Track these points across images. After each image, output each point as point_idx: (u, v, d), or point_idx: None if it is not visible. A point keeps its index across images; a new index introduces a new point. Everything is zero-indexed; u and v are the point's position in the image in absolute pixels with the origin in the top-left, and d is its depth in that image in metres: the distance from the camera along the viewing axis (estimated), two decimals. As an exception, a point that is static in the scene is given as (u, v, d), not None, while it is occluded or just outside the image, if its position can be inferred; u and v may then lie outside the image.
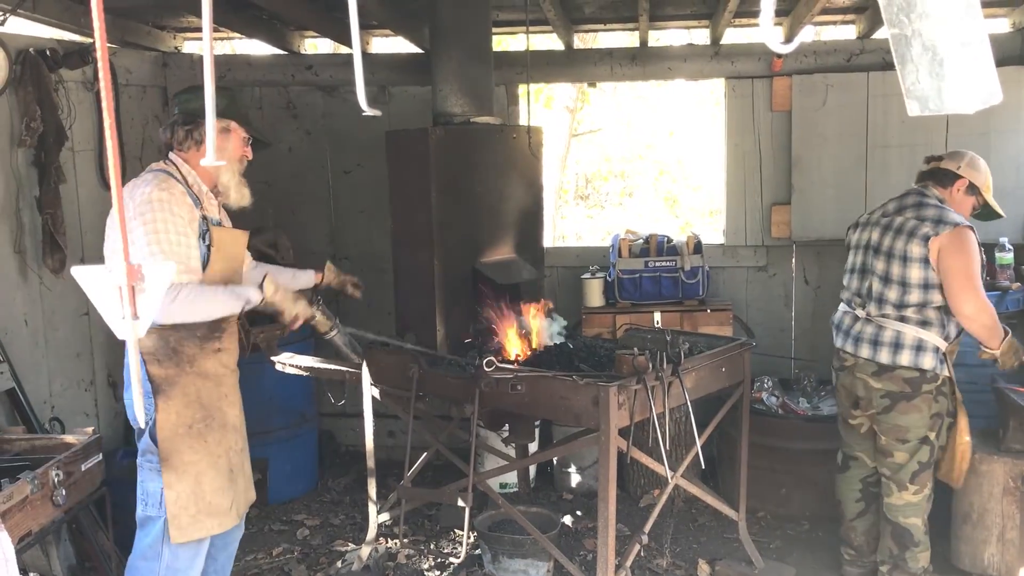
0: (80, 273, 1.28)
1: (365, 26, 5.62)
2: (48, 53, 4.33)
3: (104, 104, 1.21)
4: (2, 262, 4.17)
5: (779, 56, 5.16)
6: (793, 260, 5.44)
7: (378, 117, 5.04)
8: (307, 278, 3.84)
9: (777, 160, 5.33)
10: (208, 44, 1.24)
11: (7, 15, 3.99)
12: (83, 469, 3.40)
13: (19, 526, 3.03)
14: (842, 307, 4.05)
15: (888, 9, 1.08)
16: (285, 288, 3.26)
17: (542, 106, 13.12)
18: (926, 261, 3.65)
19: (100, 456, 3.48)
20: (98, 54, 1.20)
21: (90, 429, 3.57)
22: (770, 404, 4.96)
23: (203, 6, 1.22)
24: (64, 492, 3.26)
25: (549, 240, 11.23)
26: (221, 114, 3.12)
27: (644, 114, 14.76)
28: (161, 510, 3.07)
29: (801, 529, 4.74)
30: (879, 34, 5.19)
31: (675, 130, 14.44)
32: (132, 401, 3.17)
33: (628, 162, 15.06)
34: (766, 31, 1.10)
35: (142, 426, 3.07)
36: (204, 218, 3.08)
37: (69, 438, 3.53)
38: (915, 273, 3.68)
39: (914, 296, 3.69)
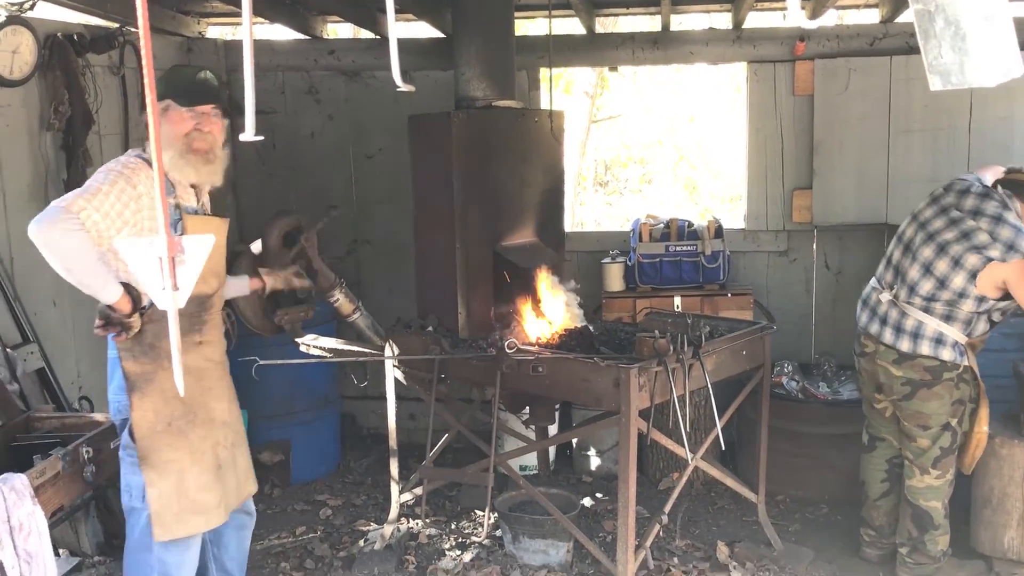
0: (122, 245, 1.32)
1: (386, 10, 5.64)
2: (75, 38, 4.39)
3: (147, 87, 1.25)
4: (31, 245, 4.21)
5: (801, 40, 5.14)
6: (814, 245, 5.43)
7: (400, 103, 5.10)
8: (241, 286, 3.60)
9: (799, 145, 5.32)
10: (248, 30, 1.28)
11: (35, 0, 4.05)
12: (112, 446, 3.46)
13: (51, 501, 3.10)
14: (872, 282, 4.02)
15: (915, -15, 1.10)
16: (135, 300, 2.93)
17: (562, 91, 13.12)
18: (975, 275, 3.60)
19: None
20: (141, 42, 1.23)
21: (111, 417, 3.62)
22: (790, 388, 4.97)
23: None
24: (93, 468, 3.33)
25: (568, 226, 11.27)
26: (159, 97, 2.95)
27: (664, 100, 14.72)
28: (145, 503, 3.04)
29: (820, 513, 4.76)
30: (902, 18, 5.17)
31: (695, 116, 14.38)
32: (112, 395, 3.19)
33: (648, 148, 15.02)
34: (792, 7, 1.11)
35: (124, 415, 3.05)
36: (177, 206, 3.02)
37: (98, 417, 3.60)
38: (958, 281, 3.63)
39: (946, 295, 3.67)
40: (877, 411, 4.06)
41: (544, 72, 5.50)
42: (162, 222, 1.30)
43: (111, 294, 2.81)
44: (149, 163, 2.98)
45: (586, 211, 14.59)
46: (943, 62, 1.08)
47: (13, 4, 3.99)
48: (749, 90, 5.40)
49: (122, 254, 1.32)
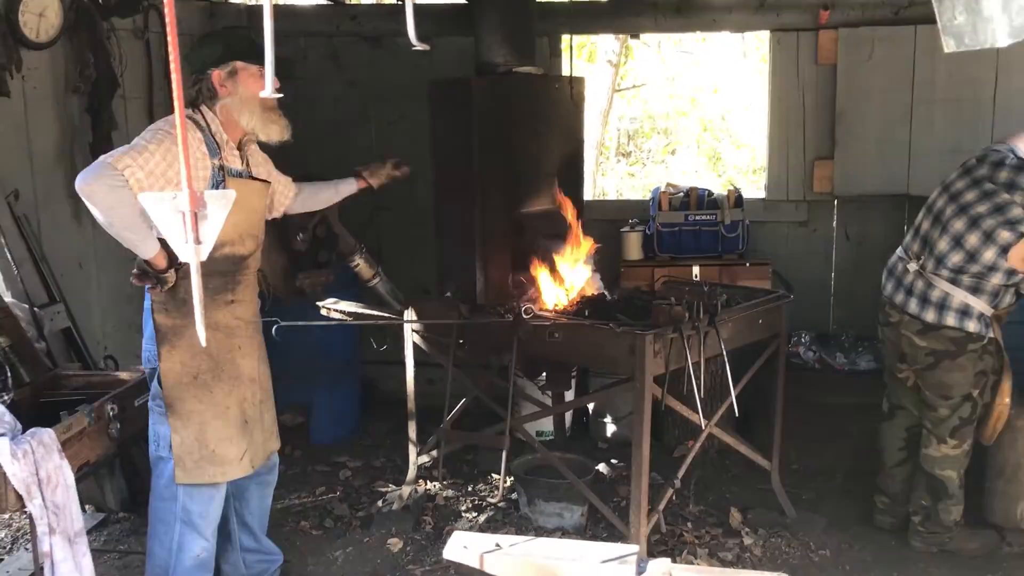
0: (146, 199, 1.36)
1: (409, -24, 5.63)
2: (100, 1, 4.43)
3: (171, 51, 1.28)
4: (57, 206, 4.31)
5: (825, 9, 5.10)
6: (834, 215, 5.42)
7: (421, 69, 5.11)
8: (349, 187, 3.87)
9: (821, 114, 5.29)
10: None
11: (61, -37, 4.08)
12: (136, 404, 3.54)
13: (77, 456, 3.17)
14: (899, 251, 4.01)
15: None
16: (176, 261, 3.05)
17: (585, 60, 13.04)
18: (1006, 250, 3.58)
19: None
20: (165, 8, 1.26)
21: (141, 366, 3.70)
22: (807, 358, 4.98)
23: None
24: (118, 425, 3.40)
25: (589, 195, 11.25)
26: (219, 60, 3.11)
27: (689, 70, 14.60)
28: (170, 452, 3.17)
29: (834, 482, 4.79)
30: (928, -13, 5.11)
31: (719, 86, 14.26)
32: (145, 344, 3.26)
33: (671, 119, 14.93)
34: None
35: (152, 365, 3.18)
36: (221, 168, 3.10)
37: (123, 375, 3.68)
38: (989, 255, 3.61)
39: (975, 268, 3.66)
40: (899, 380, 4.07)
41: (565, 39, 5.49)
42: (184, 178, 1.33)
43: (149, 249, 2.92)
44: (196, 124, 3.07)
45: (608, 181, 14.55)
46: (957, 23, 1.09)
47: (39, -33, 4.03)
48: (771, 59, 5.37)
49: (147, 209, 1.36)
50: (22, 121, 4.08)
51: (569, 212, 4.22)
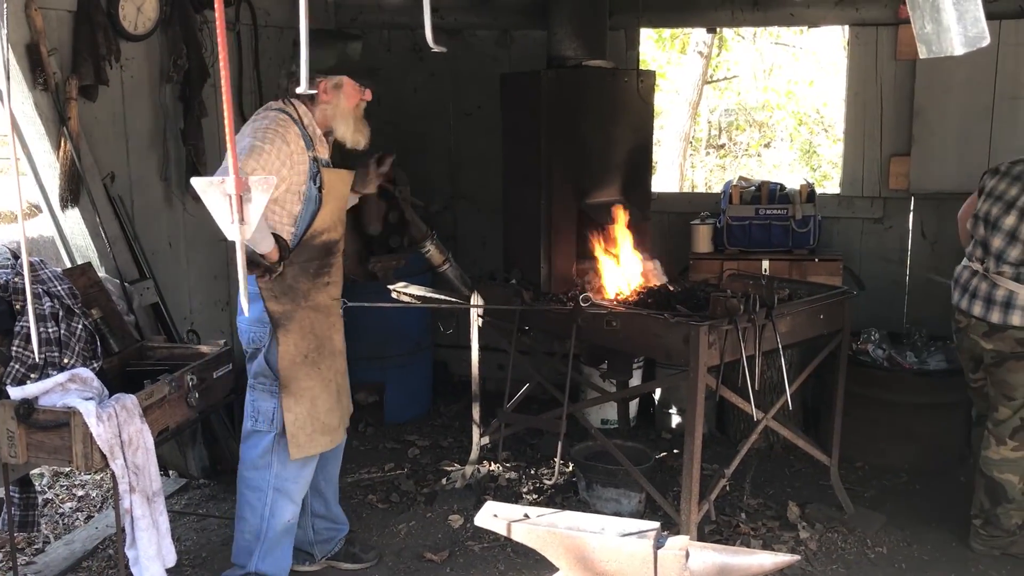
0: (197, 183, 1.51)
1: (490, -30, 5.77)
2: (194, -5, 4.67)
3: (217, 44, 1.42)
4: (150, 189, 4.58)
5: (906, 2, 5.01)
6: (911, 213, 5.34)
7: (499, 61, 5.22)
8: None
9: (899, 110, 5.22)
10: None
11: (158, -41, 4.33)
12: (215, 376, 3.76)
13: (158, 422, 3.40)
14: (963, 262, 4.01)
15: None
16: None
17: (678, 52, 12.97)
18: None
19: (230, 366, 3.83)
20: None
21: (222, 341, 3.93)
22: (876, 356, 4.94)
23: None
24: (197, 395, 3.62)
25: (676, 187, 11.21)
26: (331, 70, 3.34)
27: (785, 61, 14.36)
28: (272, 426, 3.41)
29: (899, 481, 4.75)
30: (1014, -19, 4.99)
31: (816, 79, 13.98)
32: (246, 326, 3.48)
33: (766, 111, 14.71)
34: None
35: (257, 345, 3.39)
36: (315, 159, 3.31)
37: (203, 348, 3.90)
38: None
39: None
40: (976, 390, 4.05)
41: (643, 32, 5.52)
42: (230, 163, 1.48)
43: (267, 245, 3.15)
44: (291, 117, 3.27)
45: (698, 174, 14.44)
46: (926, 32, 1.15)
47: (138, -36, 4.28)
48: (850, 53, 5.32)
49: (199, 192, 1.52)
50: (120, 108, 4.34)
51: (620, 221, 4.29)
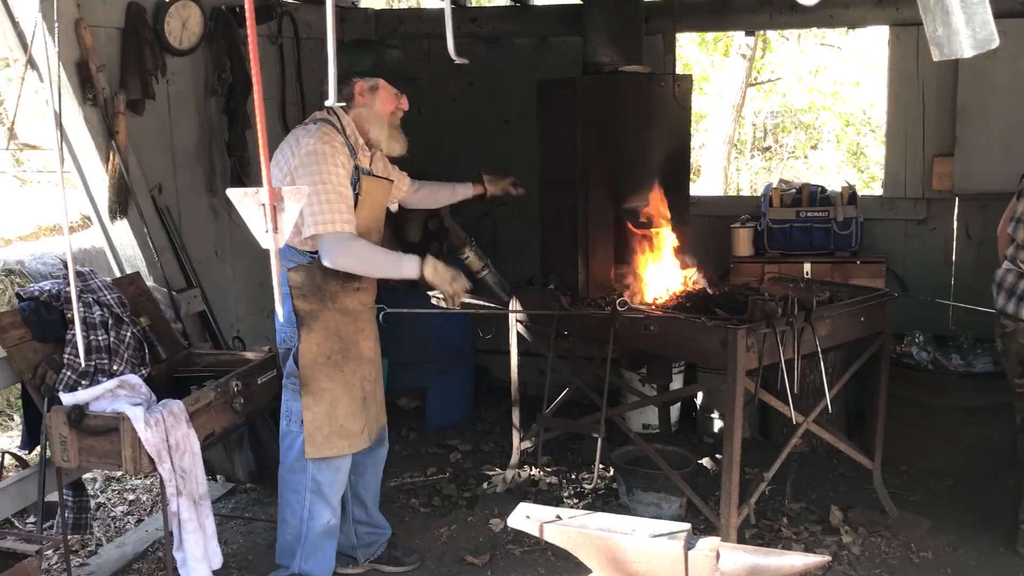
0: (233, 193, 1.57)
1: (527, -22, 5.81)
2: (237, 10, 4.78)
3: (250, 57, 1.47)
4: (197, 199, 4.69)
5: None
6: (955, 214, 5.27)
7: (537, 68, 5.25)
8: (465, 190, 4.12)
9: (941, 110, 5.15)
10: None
11: (202, -24, 4.44)
12: (259, 382, 3.84)
13: (204, 427, 3.49)
14: (1005, 263, 3.95)
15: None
16: (443, 267, 3.45)
17: (721, 54, 12.90)
18: None
19: (275, 371, 3.91)
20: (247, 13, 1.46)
21: (267, 348, 4.01)
22: (920, 359, 4.88)
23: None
24: (242, 401, 3.71)
25: (720, 191, 11.16)
26: (368, 72, 3.41)
27: (831, 62, 14.21)
28: (301, 427, 3.45)
29: (945, 485, 4.68)
30: (1060, -23, 4.91)
31: (862, 79, 13.80)
32: (279, 326, 3.54)
33: (812, 112, 14.57)
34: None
35: (287, 346, 3.46)
36: (356, 168, 3.38)
37: (248, 354, 3.99)
38: None
39: None
40: (1020, 395, 3.98)
41: (685, 36, 5.53)
42: (265, 175, 1.54)
43: (409, 269, 3.38)
44: (333, 126, 3.35)
45: (743, 177, 14.34)
46: (938, 35, 1.16)
47: (183, -19, 4.39)
48: (891, 54, 5.26)
49: (234, 203, 1.57)
50: (166, 121, 4.46)
51: (658, 208, 4.30)
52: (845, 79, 13.89)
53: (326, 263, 3.27)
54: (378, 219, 3.55)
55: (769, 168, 14.89)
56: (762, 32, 9.43)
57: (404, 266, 3.38)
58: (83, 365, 3.43)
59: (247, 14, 1.46)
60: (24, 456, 4.18)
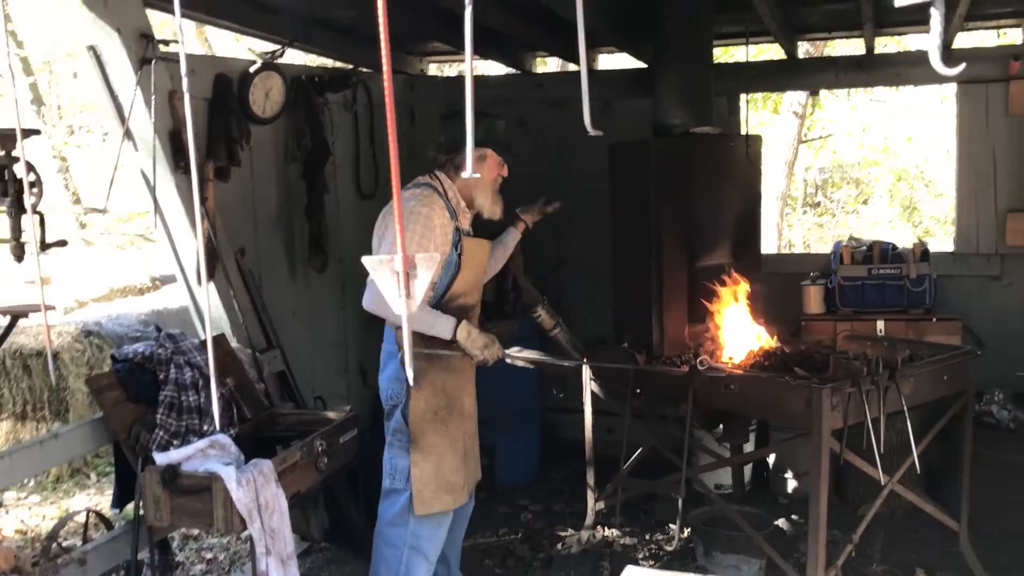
0: (368, 261, 1.63)
1: (591, 44, 5.93)
2: (316, 79, 4.94)
3: (388, 127, 1.54)
4: (277, 262, 4.81)
5: (1016, 59, 4.98)
6: (1030, 269, 5.22)
7: (602, 130, 5.33)
8: (513, 237, 4.14)
9: (1013, 166, 5.14)
10: (470, 71, 1.56)
11: (285, 48, 4.61)
12: (341, 441, 3.88)
13: (290, 486, 3.53)
14: None
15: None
16: (479, 333, 3.55)
17: (769, 112, 12.98)
18: None
19: (356, 431, 3.95)
20: (385, 84, 1.53)
21: (348, 407, 4.07)
22: (1000, 418, 4.79)
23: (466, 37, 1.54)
24: (326, 460, 3.75)
25: (774, 248, 11.13)
26: (479, 143, 3.56)
27: (881, 118, 14.21)
28: (407, 484, 3.52)
29: (1033, 548, 4.57)
30: None
31: (913, 134, 13.77)
32: (385, 383, 3.62)
33: (863, 167, 14.54)
34: (932, 50, 1.26)
35: (395, 402, 3.54)
36: (457, 229, 3.52)
37: (330, 414, 4.04)
38: None
39: None
40: None
41: (744, 97, 5.60)
42: (399, 243, 1.60)
43: (446, 329, 3.45)
44: (437, 191, 3.49)
45: (795, 233, 14.30)
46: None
47: (266, 53, 4.57)
48: (959, 111, 5.28)
49: (368, 269, 1.63)
50: (249, 187, 4.60)
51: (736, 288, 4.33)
52: (895, 134, 13.87)
53: (364, 304, 3.38)
54: (478, 279, 3.67)
55: (821, 224, 14.83)
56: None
57: (439, 325, 3.45)
58: (176, 425, 3.51)
59: (385, 85, 1.53)
60: (113, 515, 4.26)
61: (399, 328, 3.46)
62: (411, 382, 1.70)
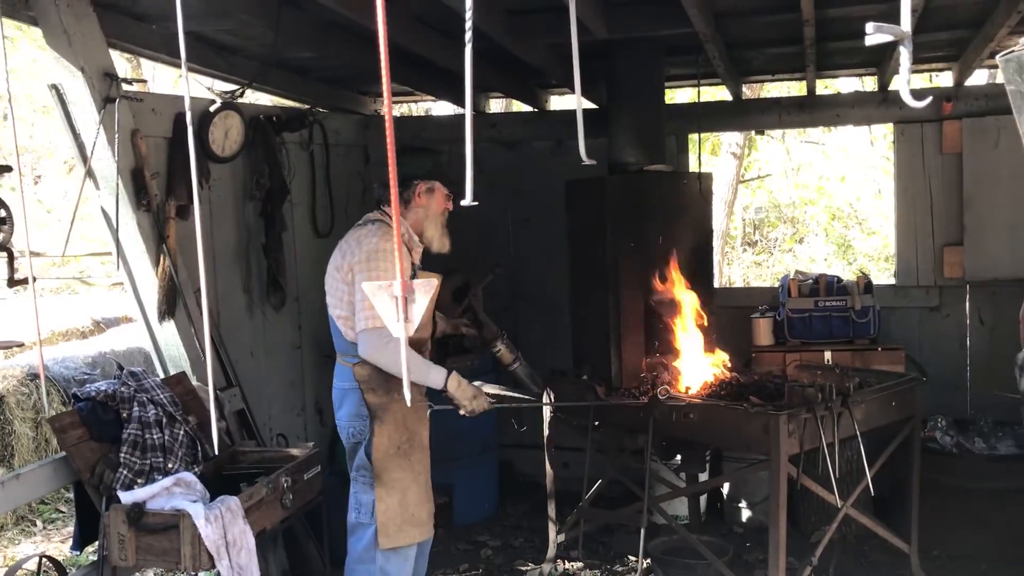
0: (368, 287, 1.68)
1: (543, 86, 6.08)
2: (274, 119, 4.98)
3: (389, 158, 1.60)
4: (234, 300, 4.80)
5: (948, 100, 5.24)
6: (967, 301, 5.44)
7: (553, 171, 5.46)
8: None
9: (948, 202, 5.38)
10: (469, 109, 1.63)
11: (244, 88, 4.65)
12: (306, 478, 3.88)
13: (256, 523, 3.52)
14: None
15: (1006, 70, 1.35)
16: (467, 384, 3.66)
17: (708, 153, 13.33)
18: None
19: (319, 467, 3.96)
20: (386, 124, 1.60)
21: (311, 444, 4.07)
22: (944, 443, 4.96)
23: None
24: (291, 496, 3.74)
25: (715, 284, 11.36)
26: (427, 175, 3.62)
27: (814, 159, 14.67)
28: (373, 519, 3.54)
29: (978, 570, 4.71)
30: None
31: (847, 174, 14.25)
32: (345, 421, 3.64)
33: (798, 207, 14.97)
34: (903, 89, 1.38)
35: (357, 439, 3.56)
36: (412, 264, 3.59)
37: (294, 451, 4.03)
38: None
39: None
40: None
41: (693, 136, 5.78)
42: (398, 269, 1.66)
43: (437, 379, 3.55)
44: (390, 227, 3.54)
45: (734, 270, 14.62)
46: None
47: (226, 93, 4.60)
48: (896, 149, 5.52)
49: (368, 295, 1.69)
50: (207, 226, 4.60)
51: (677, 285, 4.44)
52: (829, 174, 14.32)
53: (361, 354, 3.42)
54: (430, 313, 3.69)
55: (759, 262, 15.18)
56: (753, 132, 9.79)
57: (432, 375, 3.55)
58: (140, 464, 3.47)
59: (387, 132, 1.60)
60: (66, 559, 4.17)
61: (370, 368, 3.49)
62: (408, 402, 1.74)
